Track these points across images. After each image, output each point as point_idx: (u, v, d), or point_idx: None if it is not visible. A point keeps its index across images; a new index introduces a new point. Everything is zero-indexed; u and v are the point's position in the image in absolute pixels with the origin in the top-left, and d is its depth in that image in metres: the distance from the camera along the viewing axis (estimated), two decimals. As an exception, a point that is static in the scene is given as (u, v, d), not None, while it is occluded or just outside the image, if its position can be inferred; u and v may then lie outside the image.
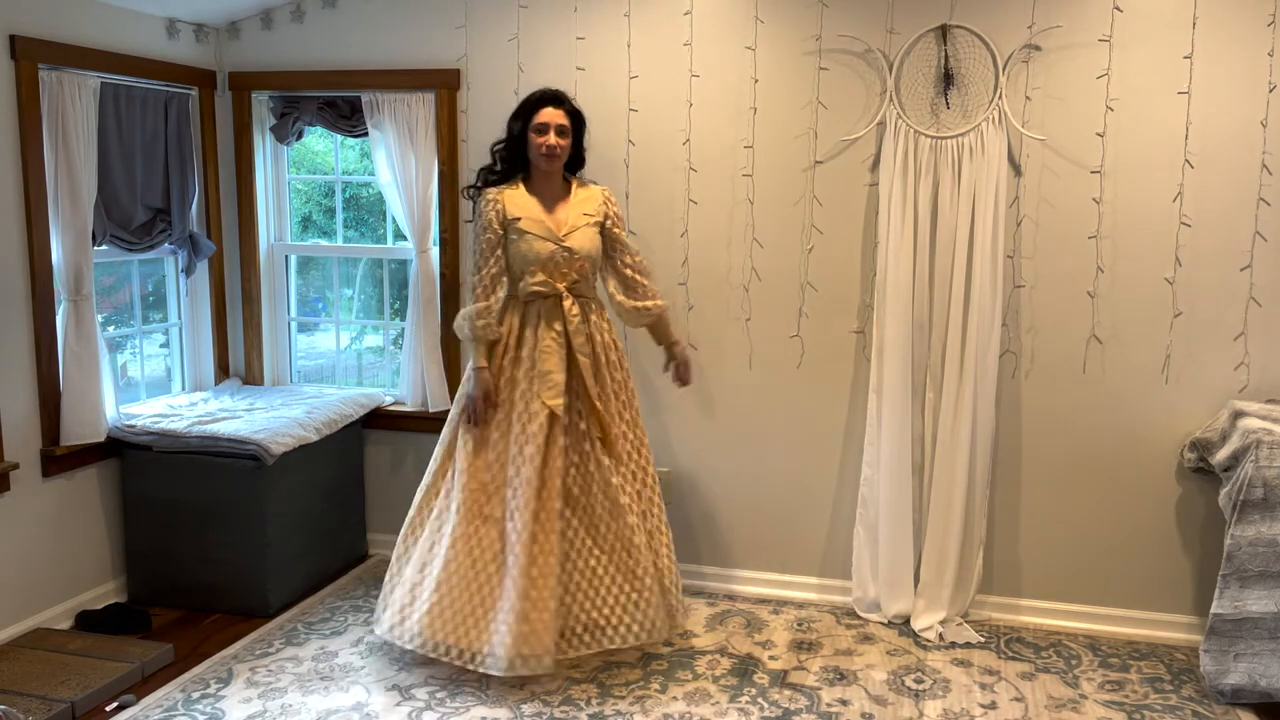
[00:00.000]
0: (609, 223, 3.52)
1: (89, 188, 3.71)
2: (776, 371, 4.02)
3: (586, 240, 3.45)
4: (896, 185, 3.68)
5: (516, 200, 3.44)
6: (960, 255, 3.66)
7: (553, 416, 3.37)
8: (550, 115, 3.40)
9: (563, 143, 3.41)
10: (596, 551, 3.42)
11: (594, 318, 3.50)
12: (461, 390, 3.52)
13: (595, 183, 3.61)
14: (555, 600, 3.31)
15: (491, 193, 3.46)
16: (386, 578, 3.54)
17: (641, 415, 3.62)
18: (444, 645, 3.32)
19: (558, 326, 3.41)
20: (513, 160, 3.48)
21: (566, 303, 3.41)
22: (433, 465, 3.59)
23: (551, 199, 3.48)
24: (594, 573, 3.41)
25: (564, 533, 3.38)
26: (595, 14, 3.99)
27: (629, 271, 3.54)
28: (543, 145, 3.39)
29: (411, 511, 3.60)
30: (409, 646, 3.36)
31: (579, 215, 3.46)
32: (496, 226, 3.43)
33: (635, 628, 3.40)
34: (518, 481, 3.36)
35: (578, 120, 3.49)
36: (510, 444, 3.41)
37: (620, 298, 3.55)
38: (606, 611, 3.40)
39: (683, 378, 3.67)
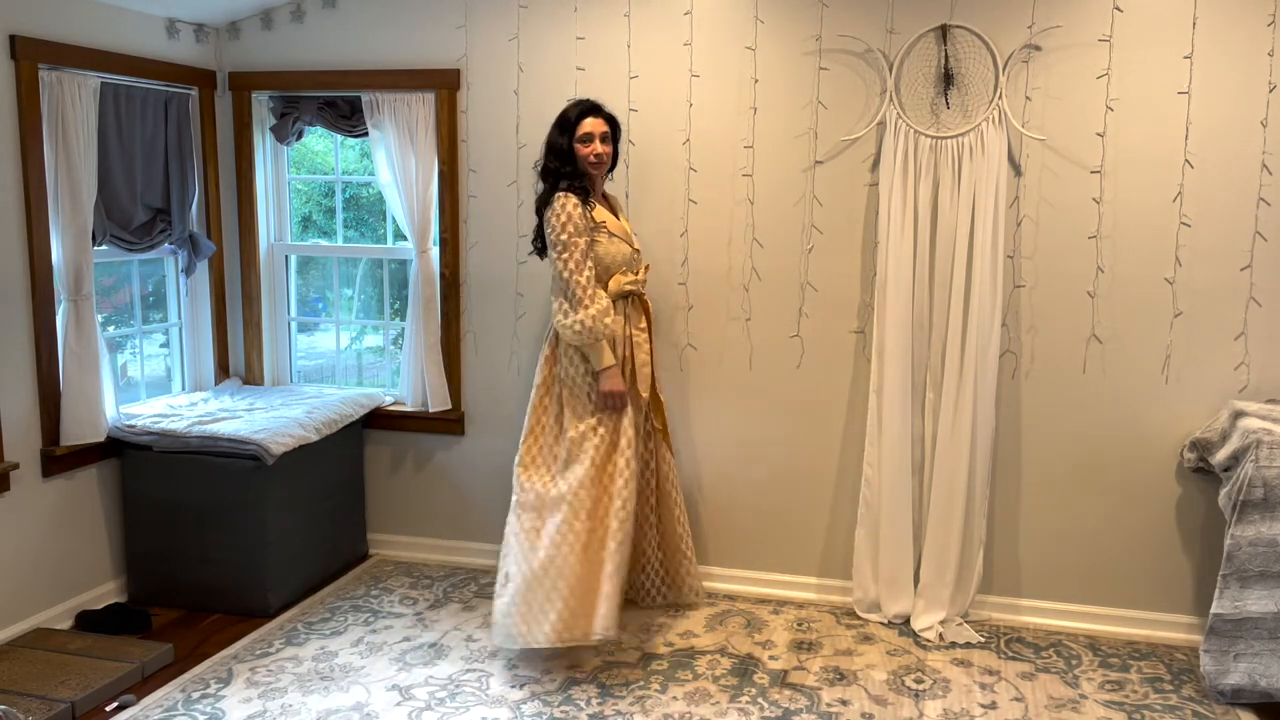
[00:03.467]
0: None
1: (89, 188, 3.71)
2: (776, 371, 4.02)
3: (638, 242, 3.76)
4: (896, 185, 3.68)
5: (587, 205, 3.55)
6: (960, 255, 3.66)
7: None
8: (594, 125, 3.57)
9: (607, 149, 3.60)
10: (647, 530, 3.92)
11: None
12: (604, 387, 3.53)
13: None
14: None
15: (572, 199, 3.47)
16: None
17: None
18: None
19: (642, 323, 3.68)
20: (570, 171, 3.54)
21: (646, 300, 3.71)
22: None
23: (607, 204, 3.72)
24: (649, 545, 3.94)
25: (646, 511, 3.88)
26: (595, 14, 3.99)
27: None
28: (590, 154, 3.55)
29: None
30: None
31: (627, 219, 3.77)
32: (586, 230, 3.48)
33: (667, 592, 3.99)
34: (626, 471, 3.55)
35: (615, 127, 3.67)
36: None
37: None
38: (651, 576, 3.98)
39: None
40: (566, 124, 3.56)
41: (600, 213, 3.58)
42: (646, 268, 3.75)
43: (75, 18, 3.72)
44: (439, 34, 4.16)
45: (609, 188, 3.83)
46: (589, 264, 3.46)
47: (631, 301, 3.66)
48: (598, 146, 3.55)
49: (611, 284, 3.57)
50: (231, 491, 3.82)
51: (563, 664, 3.50)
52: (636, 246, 3.70)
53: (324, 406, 4.18)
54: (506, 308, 4.25)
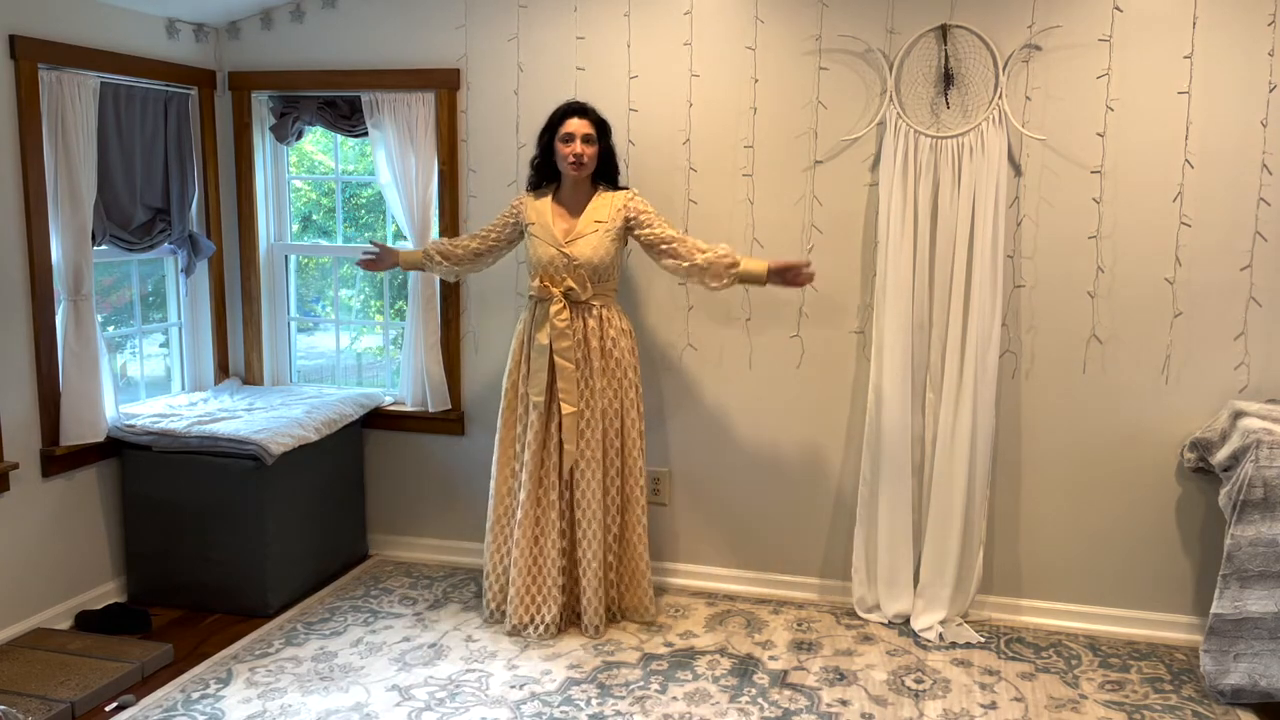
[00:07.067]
0: (632, 223, 3.65)
1: (89, 188, 3.71)
2: (776, 371, 4.02)
3: (589, 247, 3.59)
4: (896, 185, 3.68)
5: (537, 206, 3.68)
6: (960, 255, 3.66)
7: (544, 410, 3.65)
8: (575, 125, 3.59)
9: (589, 150, 3.59)
10: (561, 541, 3.73)
11: (593, 323, 3.63)
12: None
13: (625, 189, 3.73)
14: (553, 575, 3.70)
15: (519, 196, 3.79)
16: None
17: (644, 425, 3.81)
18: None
19: (543, 332, 3.61)
20: (546, 171, 3.70)
21: (555, 307, 3.58)
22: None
23: (574, 206, 3.66)
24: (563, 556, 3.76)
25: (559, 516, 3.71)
26: (595, 14, 3.99)
27: (675, 246, 3.57)
28: (569, 154, 3.59)
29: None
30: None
31: (590, 223, 3.62)
32: (510, 220, 3.76)
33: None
34: (524, 472, 3.69)
35: (603, 130, 3.65)
36: (524, 433, 3.73)
37: (695, 277, 3.60)
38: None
39: (795, 281, 3.59)
40: (551, 122, 3.65)
41: (539, 213, 3.65)
42: (579, 274, 3.57)
43: (75, 18, 3.72)
44: (439, 34, 4.16)
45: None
46: (486, 230, 3.79)
47: (541, 308, 3.62)
48: (577, 146, 3.57)
49: (529, 286, 3.69)
50: (231, 491, 3.82)
51: (563, 664, 3.50)
52: (570, 253, 3.57)
53: (324, 406, 4.18)
54: (507, 307, 4.25)
